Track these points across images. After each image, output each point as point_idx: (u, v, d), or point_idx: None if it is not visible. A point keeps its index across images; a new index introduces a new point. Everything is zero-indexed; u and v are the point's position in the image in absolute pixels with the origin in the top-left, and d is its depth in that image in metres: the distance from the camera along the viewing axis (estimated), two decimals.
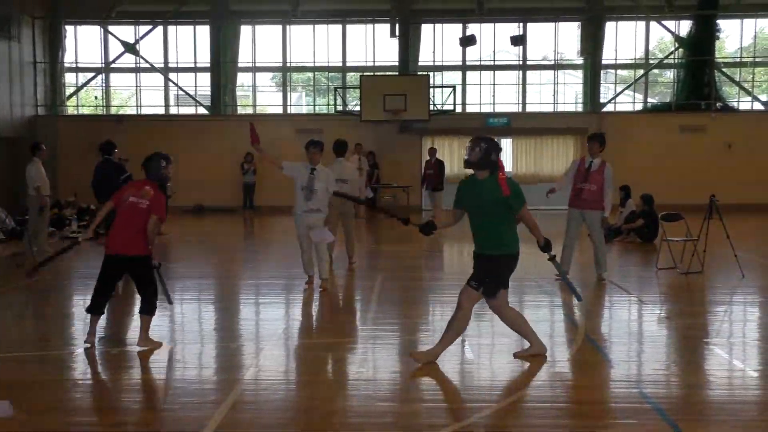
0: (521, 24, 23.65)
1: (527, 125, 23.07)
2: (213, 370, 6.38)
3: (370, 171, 21.55)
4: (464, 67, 24.28)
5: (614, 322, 8.16)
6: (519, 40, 23.07)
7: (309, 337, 7.57)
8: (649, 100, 24.78)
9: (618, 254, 13.36)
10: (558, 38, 24.22)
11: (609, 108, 23.96)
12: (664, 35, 25.35)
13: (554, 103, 24.17)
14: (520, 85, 24.22)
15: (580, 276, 10.39)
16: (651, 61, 24.56)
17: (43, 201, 12.96)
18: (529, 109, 24.07)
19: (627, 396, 5.47)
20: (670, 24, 23.88)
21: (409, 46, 23.36)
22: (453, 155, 22.68)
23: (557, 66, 24.48)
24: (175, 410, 5.16)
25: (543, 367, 6.17)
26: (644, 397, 5.36)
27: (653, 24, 24.11)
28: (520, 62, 24.18)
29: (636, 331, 7.75)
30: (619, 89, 24.59)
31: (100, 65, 24.40)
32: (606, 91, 24.51)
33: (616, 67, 24.65)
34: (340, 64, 24.54)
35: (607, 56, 23.87)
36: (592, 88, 23.66)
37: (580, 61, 24.20)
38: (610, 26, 23.83)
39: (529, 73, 24.34)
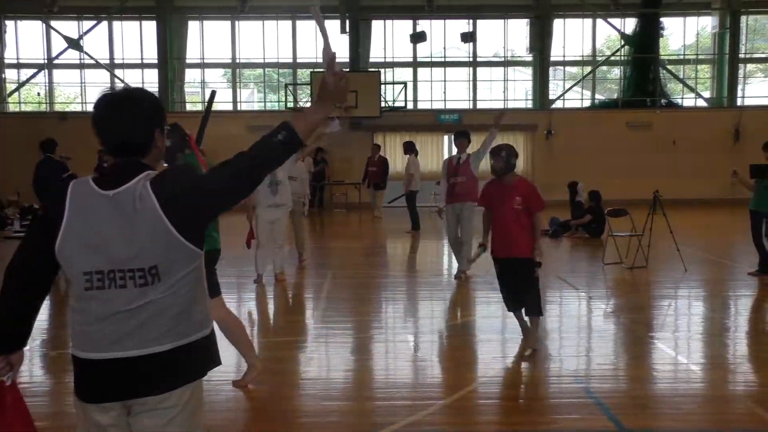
0: (471, 21, 23.85)
1: (478, 122, 23.24)
2: None
3: (319, 168, 21.52)
4: (415, 64, 24.36)
5: (562, 317, 8.27)
6: (469, 37, 23.24)
7: (259, 335, 7.51)
8: (597, 96, 25.21)
9: (566, 250, 13.59)
10: (507, 35, 24.49)
11: (558, 104, 24.33)
12: (610, 33, 25.80)
13: (504, 100, 24.42)
14: (471, 82, 24.41)
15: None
16: (598, 59, 24.99)
17: None
18: (480, 105, 24.28)
19: (572, 391, 5.55)
20: (616, 22, 24.32)
21: (359, 42, 23.33)
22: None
23: (507, 63, 24.73)
24: None
25: (492, 363, 6.23)
26: (588, 393, 5.45)
27: (600, 22, 24.52)
28: (471, 59, 24.36)
29: (583, 326, 7.88)
30: (567, 86, 24.97)
31: (42, 61, 23.79)
32: (555, 88, 24.86)
33: (564, 64, 25.00)
34: (291, 61, 24.39)
35: (556, 53, 24.22)
36: (541, 84, 23.97)
37: (529, 58, 24.50)
38: (558, 24, 24.18)
39: (479, 69, 24.54)
